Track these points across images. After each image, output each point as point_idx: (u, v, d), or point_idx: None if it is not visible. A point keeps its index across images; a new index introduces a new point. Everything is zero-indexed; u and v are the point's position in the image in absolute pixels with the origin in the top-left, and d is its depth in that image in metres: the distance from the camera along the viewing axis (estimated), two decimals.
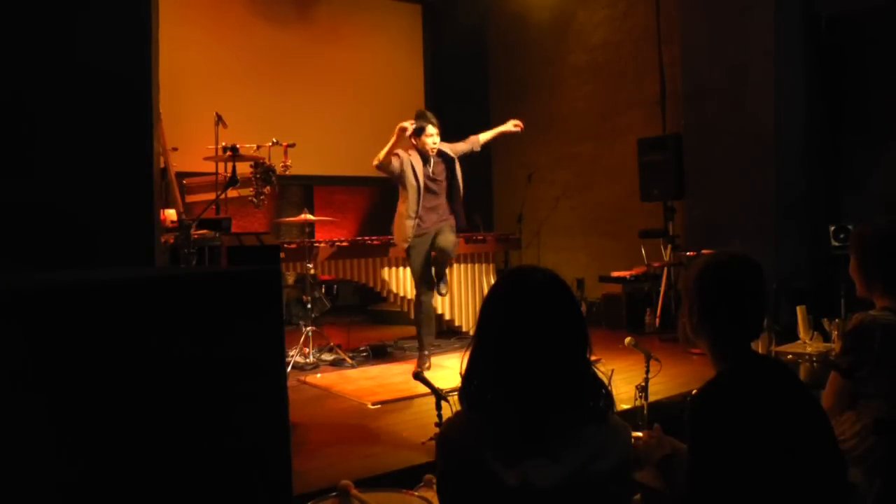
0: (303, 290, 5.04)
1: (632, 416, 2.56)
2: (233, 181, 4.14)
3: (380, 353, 5.14)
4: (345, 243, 5.15)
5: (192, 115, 5.70)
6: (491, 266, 5.71)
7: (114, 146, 2.42)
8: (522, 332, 1.35)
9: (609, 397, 1.40)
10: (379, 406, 3.75)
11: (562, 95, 7.55)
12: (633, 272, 6.25)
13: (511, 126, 4.91)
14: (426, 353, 4.66)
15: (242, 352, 1.11)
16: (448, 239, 4.65)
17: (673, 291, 5.83)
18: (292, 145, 5.22)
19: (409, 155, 4.57)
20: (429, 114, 4.62)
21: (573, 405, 1.35)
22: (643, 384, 2.55)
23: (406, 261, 4.76)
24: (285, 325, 4.70)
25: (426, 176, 4.59)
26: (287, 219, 5.61)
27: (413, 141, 4.58)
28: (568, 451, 1.28)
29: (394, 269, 5.26)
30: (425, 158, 4.59)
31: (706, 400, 1.59)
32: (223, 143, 4.83)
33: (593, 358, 1.42)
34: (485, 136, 4.90)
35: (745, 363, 1.64)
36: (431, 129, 4.54)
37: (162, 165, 4.20)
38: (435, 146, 4.57)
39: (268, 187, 4.79)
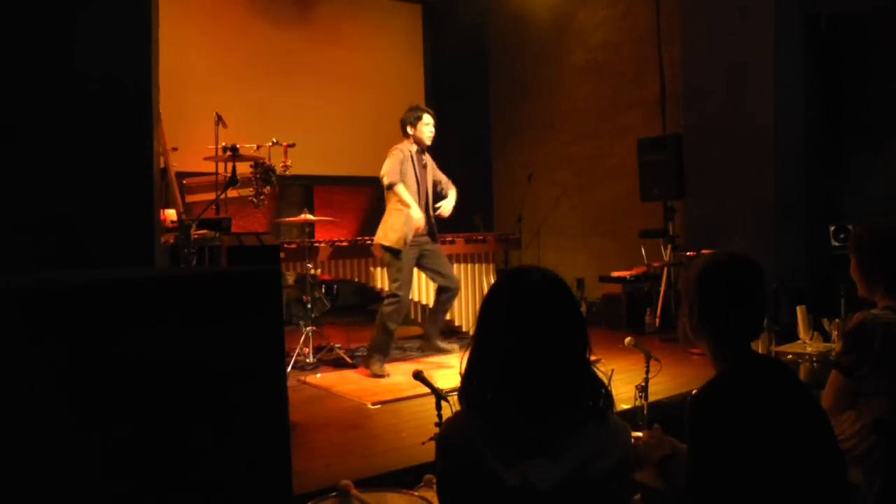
0: (303, 290, 5.04)
1: (632, 416, 2.56)
2: (233, 181, 4.14)
3: None
4: (345, 243, 5.15)
5: (192, 115, 5.70)
6: (491, 266, 5.71)
7: (114, 147, 2.42)
8: (522, 332, 1.35)
9: (609, 397, 1.40)
10: (379, 406, 3.75)
11: (562, 95, 7.55)
12: (633, 272, 6.25)
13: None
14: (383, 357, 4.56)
15: (242, 352, 1.11)
16: (447, 266, 4.71)
17: (673, 291, 5.83)
18: (292, 145, 5.22)
19: (407, 148, 4.55)
20: (421, 105, 4.64)
21: (573, 405, 1.35)
22: (643, 384, 2.54)
23: (389, 262, 4.58)
24: (285, 325, 4.72)
25: (420, 171, 4.59)
26: (287, 219, 5.61)
27: (410, 131, 4.57)
28: (568, 451, 1.28)
29: None
30: (420, 150, 4.61)
31: (706, 400, 1.59)
32: (223, 143, 4.83)
33: (593, 358, 1.42)
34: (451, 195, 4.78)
35: (745, 363, 1.64)
36: (428, 118, 4.54)
37: (162, 165, 4.19)
38: (432, 135, 4.57)
39: (268, 187, 4.79)
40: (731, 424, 1.52)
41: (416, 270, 4.80)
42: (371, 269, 5.21)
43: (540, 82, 7.78)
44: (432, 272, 4.80)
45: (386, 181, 4.48)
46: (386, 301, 4.59)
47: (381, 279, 5.22)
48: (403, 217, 4.46)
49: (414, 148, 4.59)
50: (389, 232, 4.51)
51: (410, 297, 5.15)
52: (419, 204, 4.53)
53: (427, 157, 4.72)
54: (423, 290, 5.31)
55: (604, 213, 7.13)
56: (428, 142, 4.59)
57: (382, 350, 4.54)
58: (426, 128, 4.55)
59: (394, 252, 4.50)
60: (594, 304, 6.55)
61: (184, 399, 1.04)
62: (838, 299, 4.56)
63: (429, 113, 4.58)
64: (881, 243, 2.16)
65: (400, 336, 5.53)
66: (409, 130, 4.57)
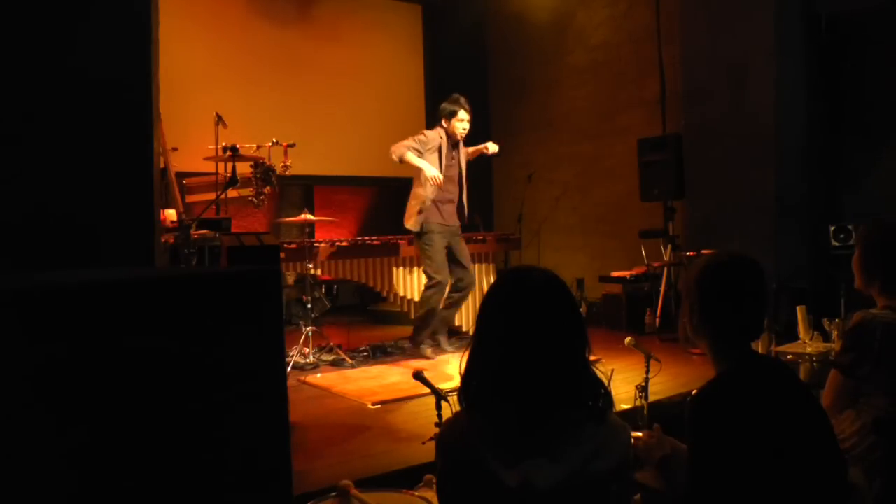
0: (303, 290, 5.04)
1: (632, 416, 2.56)
2: (233, 181, 4.14)
3: (380, 353, 5.14)
4: (345, 243, 5.15)
5: (192, 115, 5.70)
6: (491, 266, 5.71)
7: (114, 147, 2.42)
8: (521, 331, 1.35)
9: (608, 397, 1.40)
10: (379, 406, 3.75)
11: (562, 95, 7.55)
12: (633, 272, 6.24)
13: (489, 147, 4.89)
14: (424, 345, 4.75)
15: (243, 352, 1.11)
16: (468, 260, 4.83)
17: (673, 291, 5.83)
18: (292, 145, 5.22)
19: (439, 135, 4.63)
20: (463, 99, 4.65)
21: (572, 405, 1.35)
22: (643, 384, 2.54)
23: (421, 249, 4.77)
24: (285, 325, 4.72)
25: (449, 160, 4.65)
26: (287, 219, 5.61)
27: (444, 124, 4.64)
28: (567, 451, 1.28)
29: (395, 269, 5.26)
30: (453, 143, 4.68)
31: (706, 400, 1.59)
32: (223, 143, 4.83)
33: (593, 358, 1.42)
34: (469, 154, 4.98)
35: (745, 363, 1.64)
36: (464, 115, 4.61)
37: (162, 165, 4.19)
38: (465, 132, 4.64)
39: (268, 187, 4.79)
40: (732, 424, 1.52)
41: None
42: (371, 269, 5.21)
43: (540, 82, 7.78)
44: (454, 262, 4.85)
45: (393, 157, 4.59)
46: (426, 286, 4.77)
47: (383, 279, 5.23)
48: (419, 199, 4.62)
49: (444, 136, 4.67)
50: (407, 215, 4.71)
51: (403, 294, 5.26)
52: (448, 193, 4.66)
53: (461, 148, 4.79)
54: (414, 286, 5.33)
55: (604, 213, 7.13)
56: (459, 137, 4.68)
57: (422, 331, 4.76)
58: (459, 124, 4.63)
59: (417, 235, 4.69)
60: (594, 304, 6.54)
61: (184, 399, 1.04)
62: (838, 299, 4.56)
63: (465, 109, 4.62)
64: (886, 243, 2.17)
65: (399, 336, 5.55)
66: (444, 123, 4.66)
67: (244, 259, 3.88)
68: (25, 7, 2.27)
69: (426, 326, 4.78)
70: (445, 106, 4.66)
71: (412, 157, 4.56)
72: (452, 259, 4.85)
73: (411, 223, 4.70)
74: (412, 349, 4.89)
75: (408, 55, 8.22)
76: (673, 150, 5.90)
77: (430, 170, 4.52)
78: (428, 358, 4.68)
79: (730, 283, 1.66)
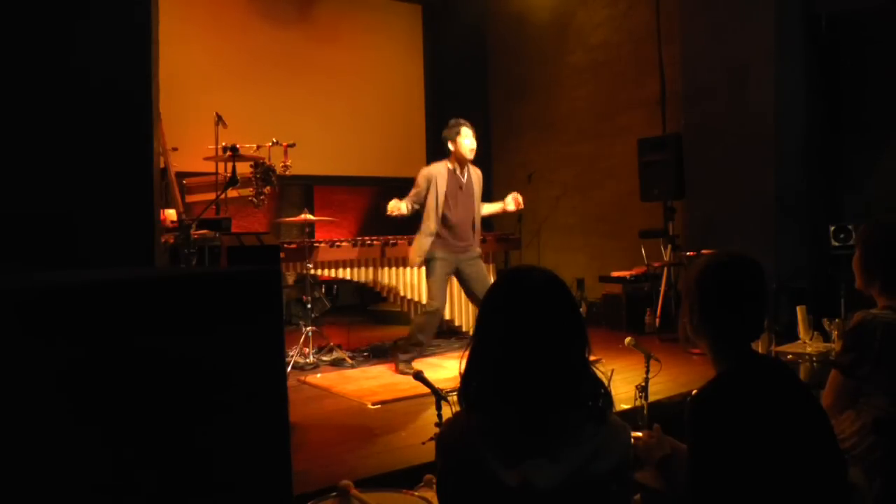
0: (303, 290, 5.05)
1: (632, 416, 2.56)
2: (233, 181, 4.14)
3: (380, 353, 5.14)
4: (345, 243, 5.15)
5: (192, 115, 5.70)
6: (491, 266, 5.71)
7: (114, 147, 2.42)
8: (521, 331, 1.35)
9: (608, 397, 1.40)
10: (379, 406, 3.75)
11: (562, 95, 7.55)
12: (633, 272, 6.25)
13: (511, 204, 4.78)
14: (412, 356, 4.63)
15: (242, 352, 1.11)
16: (484, 286, 4.62)
17: (673, 291, 5.83)
18: (292, 145, 5.22)
19: (438, 169, 4.50)
20: (461, 119, 4.51)
21: (572, 405, 1.35)
22: (643, 384, 2.54)
23: (426, 274, 4.63)
24: (285, 325, 4.72)
25: (455, 184, 4.49)
26: (287, 219, 5.61)
27: (451, 147, 4.48)
28: (568, 451, 1.28)
29: (395, 269, 5.26)
30: (461, 164, 4.52)
31: (706, 400, 1.59)
32: (223, 143, 4.83)
33: (593, 358, 1.42)
34: (487, 209, 4.84)
35: (745, 363, 1.64)
36: (467, 131, 4.44)
37: (162, 165, 4.20)
38: (473, 148, 4.47)
39: (268, 187, 4.79)
40: (732, 425, 1.52)
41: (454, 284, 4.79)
42: (371, 269, 5.21)
43: (540, 82, 7.78)
44: (467, 291, 4.72)
45: (413, 258, 4.59)
46: (421, 311, 4.69)
47: (381, 279, 5.23)
48: (420, 235, 4.52)
49: (449, 166, 4.50)
50: (413, 249, 4.61)
51: (404, 294, 5.23)
52: (456, 220, 4.50)
53: (472, 175, 4.62)
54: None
55: (604, 213, 7.13)
56: (469, 156, 4.47)
57: (407, 355, 4.59)
58: (467, 141, 4.44)
59: (424, 264, 4.57)
60: (594, 304, 6.54)
61: (184, 399, 1.04)
62: (838, 299, 4.57)
63: (467, 126, 4.45)
64: (886, 243, 2.17)
65: (400, 336, 5.54)
66: (451, 146, 4.48)
67: (244, 259, 3.89)
68: (26, 7, 2.27)
69: (410, 350, 4.59)
70: (447, 131, 4.48)
71: (405, 207, 4.51)
72: (465, 287, 4.68)
73: (411, 260, 4.62)
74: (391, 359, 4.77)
75: (408, 55, 8.22)
76: (673, 150, 5.90)
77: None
78: (405, 374, 4.40)
79: (730, 283, 1.66)
